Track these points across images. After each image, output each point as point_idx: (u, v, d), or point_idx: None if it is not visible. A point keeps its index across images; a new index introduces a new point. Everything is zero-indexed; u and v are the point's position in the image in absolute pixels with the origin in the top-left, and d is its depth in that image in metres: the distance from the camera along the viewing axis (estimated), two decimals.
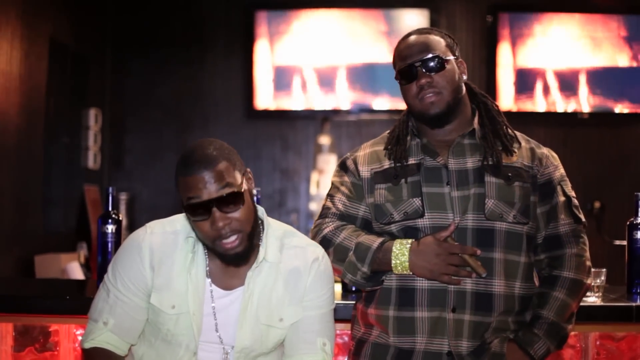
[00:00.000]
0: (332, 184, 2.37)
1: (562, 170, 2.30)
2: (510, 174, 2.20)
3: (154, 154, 7.12)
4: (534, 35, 6.89)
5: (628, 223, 2.86)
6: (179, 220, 2.13)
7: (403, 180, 2.22)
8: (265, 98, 6.98)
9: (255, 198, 2.13)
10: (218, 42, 7.08)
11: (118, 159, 7.15)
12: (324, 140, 6.64)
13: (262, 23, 6.98)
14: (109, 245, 2.81)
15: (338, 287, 2.80)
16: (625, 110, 6.87)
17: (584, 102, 6.86)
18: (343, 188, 2.32)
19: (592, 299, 2.59)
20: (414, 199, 2.19)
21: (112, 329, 2.05)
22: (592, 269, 2.58)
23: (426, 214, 2.18)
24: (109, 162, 7.08)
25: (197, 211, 1.96)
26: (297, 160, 7.05)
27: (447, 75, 2.21)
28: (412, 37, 2.26)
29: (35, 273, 5.40)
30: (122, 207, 6.47)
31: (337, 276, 2.25)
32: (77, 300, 2.54)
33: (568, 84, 6.87)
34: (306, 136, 7.06)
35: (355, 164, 2.33)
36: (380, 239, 2.19)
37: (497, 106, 2.33)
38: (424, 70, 2.19)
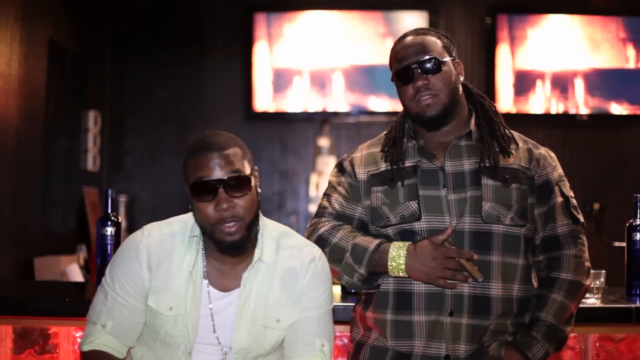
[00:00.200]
0: (330, 183, 2.37)
1: (560, 171, 2.29)
2: (507, 176, 2.19)
3: (154, 156, 7.12)
4: (533, 37, 6.90)
5: (627, 224, 2.86)
6: (177, 222, 2.13)
7: (399, 183, 2.21)
8: (264, 100, 6.98)
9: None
10: (217, 44, 7.09)
11: (117, 161, 7.15)
12: (323, 142, 6.64)
13: (261, 25, 6.98)
14: (109, 247, 2.81)
15: (337, 289, 2.80)
16: (624, 112, 6.87)
17: (583, 103, 6.87)
18: (340, 188, 2.31)
19: (592, 301, 2.59)
20: (411, 202, 2.19)
21: (111, 332, 2.05)
22: (592, 271, 2.58)
23: (423, 217, 2.17)
24: (109, 164, 7.08)
25: (203, 191, 1.96)
26: (296, 162, 7.05)
27: (444, 77, 2.19)
28: (409, 39, 2.24)
29: (34, 275, 5.40)
30: (122, 210, 6.47)
31: (334, 277, 2.24)
32: (76, 303, 2.54)
33: (567, 85, 6.87)
34: (305, 138, 7.07)
35: (352, 165, 2.32)
36: (377, 241, 2.19)
37: (494, 106, 2.32)
38: (420, 72, 2.18)
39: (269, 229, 2.14)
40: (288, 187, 7.06)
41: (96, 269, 2.86)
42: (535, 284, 2.24)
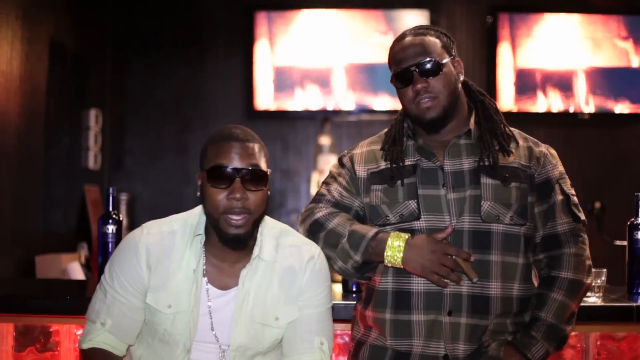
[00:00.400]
0: (330, 173, 2.36)
1: (561, 168, 2.28)
2: (506, 175, 2.18)
3: (155, 154, 7.12)
4: (534, 35, 6.89)
5: (628, 223, 2.86)
6: (177, 221, 2.13)
7: (399, 182, 2.20)
8: (265, 98, 6.98)
9: None
10: (218, 42, 7.08)
11: (118, 160, 7.15)
12: (325, 140, 6.64)
13: (262, 23, 6.98)
14: (110, 245, 2.82)
15: (338, 287, 2.80)
16: (626, 111, 6.87)
17: (584, 102, 6.86)
18: (340, 179, 2.31)
19: (593, 299, 2.59)
20: (410, 201, 2.18)
21: (110, 330, 2.05)
22: (593, 269, 2.57)
23: (422, 217, 2.16)
24: (110, 163, 7.08)
25: (219, 177, 1.98)
26: (298, 161, 7.04)
27: (444, 79, 2.18)
28: (407, 39, 2.22)
29: (35, 273, 5.40)
30: (123, 208, 6.46)
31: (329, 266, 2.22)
32: (77, 301, 2.54)
33: (568, 84, 6.87)
34: (306, 137, 7.06)
35: (352, 162, 2.31)
36: (375, 229, 2.17)
37: (494, 104, 2.30)
38: (419, 75, 2.16)
39: (269, 227, 2.14)
40: (289, 186, 7.06)
41: (97, 267, 2.86)
42: (536, 283, 2.24)
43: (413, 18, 6.88)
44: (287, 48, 6.97)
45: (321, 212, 2.25)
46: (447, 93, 2.18)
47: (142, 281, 2.06)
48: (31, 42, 5.49)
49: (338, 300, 2.52)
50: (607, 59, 6.86)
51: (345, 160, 2.33)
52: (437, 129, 2.22)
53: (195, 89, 7.09)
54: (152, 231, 2.10)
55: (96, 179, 6.76)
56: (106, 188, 2.86)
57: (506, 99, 6.86)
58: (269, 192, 2.07)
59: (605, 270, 2.65)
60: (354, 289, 2.78)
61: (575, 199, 2.26)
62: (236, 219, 1.97)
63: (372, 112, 6.84)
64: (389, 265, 2.14)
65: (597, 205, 6.69)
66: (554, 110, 6.87)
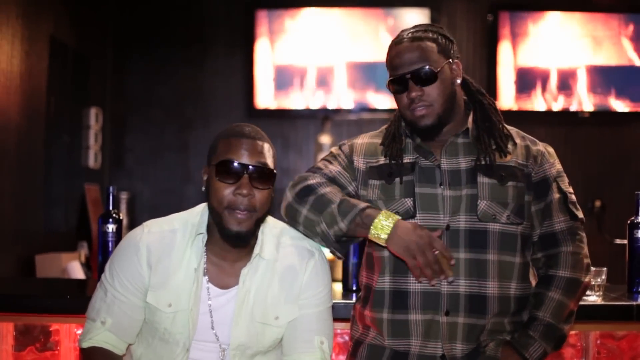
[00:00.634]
0: (330, 152, 2.34)
1: (558, 166, 2.26)
2: (503, 174, 2.17)
3: (155, 153, 7.12)
4: (535, 34, 6.89)
5: (629, 222, 2.86)
6: (177, 219, 2.13)
7: (397, 179, 2.20)
8: (265, 97, 6.97)
9: None
10: (219, 41, 7.08)
11: (119, 158, 7.15)
12: (325, 139, 6.64)
13: (263, 22, 6.97)
14: (110, 244, 2.81)
15: (338, 286, 2.80)
16: (626, 109, 6.86)
17: (585, 101, 6.85)
18: (340, 159, 2.29)
19: (593, 298, 2.59)
20: (406, 199, 2.17)
21: (110, 329, 2.05)
22: (593, 268, 2.57)
23: (417, 215, 2.15)
24: (110, 161, 7.08)
25: (228, 172, 1.98)
26: (298, 160, 7.04)
27: (439, 87, 2.15)
28: (404, 45, 2.18)
29: (35, 272, 5.40)
30: (123, 207, 6.46)
31: (306, 230, 2.18)
32: (77, 300, 2.54)
33: (569, 82, 6.86)
34: (307, 135, 7.06)
35: (352, 150, 2.30)
36: (366, 203, 2.14)
37: (493, 104, 2.29)
38: (414, 83, 2.15)
39: (270, 226, 2.14)
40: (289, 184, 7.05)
41: (97, 266, 2.86)
42: (534, 282, 2.23)
43: (414, 16, 6.88)
44: (287, 46, 6.97)
45: (315, 180, 2.21)
46: (442, 101, 2.16)
47: (143, 280, 2.06)
48: (31, 41, 5.49)
49: (338, 299, 2.52)
50: (608, 57, 6.85)
51: (345, 147, 2.32)
52: (431, 136, 2.21)
53: (196, 88, 7.08)
54: (153, 230, 2.10)
55: (96, 178, 6.76)
56: (106, 187, 2.86)
57: (507, 98, 6.85)
58: (273, 195, 2.08)
59: (605, 269, 2.65)
60: (354, 288, 2.78)
61: (572, 197, 2.25)
62: (240, 215, 1.98)
63: (373, 110, 6.83)
64: (373, 239, 2.09)
65: (598, 203, 6.69)
66: (555, 108, 6.86)
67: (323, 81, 6.94)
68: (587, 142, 6.90)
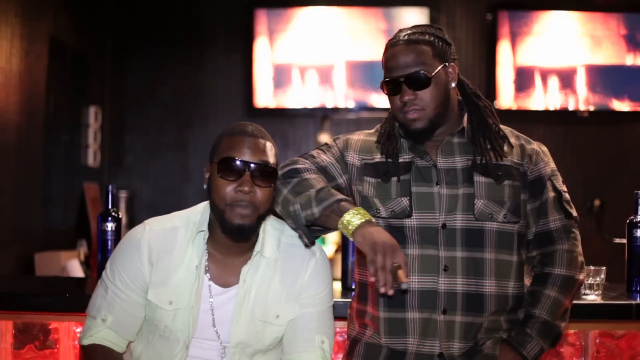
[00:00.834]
0: (325, 143, 2.33)
1: (552, 165, 2.27)
2: (499, 173, 2.17)
3: (154, 151, 7.12)
4: (534, 33, 6.89)
5: (628, 221, 2.86)
6: (179, 217, 2.13)
7: (394, 178, 2.19)
8: (265, 96, 6.97)
9: None
10: (218, 40, 7.08)
11: (118, 157, 7.15)
12: (324, 138, 6.63)
13: (262, 21, 6.97)
14: (109, 242, 2.81)
15: (338, 285, 2.80)
16: (625, 108, 6.87)
17: (584, 100, 6.86)
18: (334, 151, 2.29)
19: (592, 297, 2.59)
20: (402, 199, 2.17)
21: (111, 326, 2.05)
22: (592, 267, 2.59)
23: (414, 214, 2.15)
24: (109, 160, 7.08)
25: (230, 169, 1.99)
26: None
27: (432, 91, 2.14)
28: (399, 47, 2.17)
29: (35, 271, 5.41)
30: (122, 205, 6.47)
31: (277, 206, 2.15)
32: (76, 298, 2.54)
33: (568, 82, 6.87)
34: (306, 134, 7.06)
35: (346, 145, 2.29)
36: (347, 197, 2.11)
37: (490, 106, 2.28)
38: (407, 87, 2.14)
39: (271, 224, 2.14)
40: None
41: (97, 264, 2.86)
42: (527, 281, 2.23)
43: (413, 15, 6.88)
44: (286, 45, 6.97)
45: (303, 165, 2.21)
46: (434, 105, 2.15)
47: (144, 277, 2.06)
48: (31, 40, 5.49)
49: (337, 298, 2.52)
50: (607, 57, 6.86)
51: (340, 141, 2.31)
52: (421, 140, 2.21)
53: (195, 87, 7.09)
54: (154, 227, 2.10)
55: (95, 177, 6.77)
56: (105, 185, 2.86)
57: (506, 97, 6.86)
58: (274, 193, 2.08)
59: (604, 268, 2.65)
60: (353, 287, 2.78)
61: (567, 195, 2.25)
62: (242, 211, 1.98)
63: (372, 109, 6.84)
64: (341, 227, 2.05)
65: (597, 202, 6.69)
66: (554, 108, 6.87)
67: (322, 80, 6.94)
68: (586, 141, 6.91)
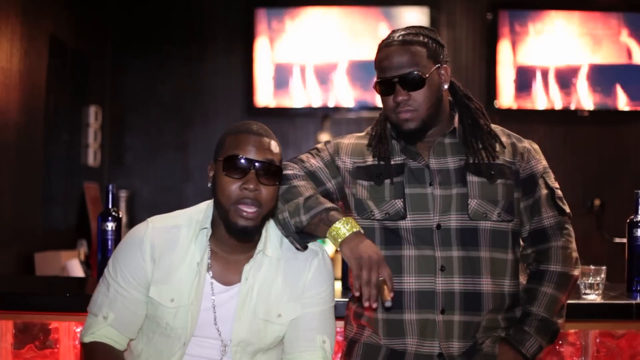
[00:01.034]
0: (315, 148, 2.34)
1: (544, 163, 2.28)
2: (492, 172, 2.18)
3: (154, 151, 7.12)
4: (534, 32, 6.89)
5: (628, 221, 2.86)
6: (182, 216, 2.14)
7: (387, 180, 2.20)
8: (265, 95, 6.98)
9: None
10: (218, 39, 7.08)
11: (118, 157, 7.15)
12: (324, 137, 6.63)
13: (262, 20, 6.97)
14: (109, 242, 2.81)
15: (338, 285, 2.80)
16: (626, 108, 6.87)
17: (584, 99, 6.86)
18: (324, 155, 2.29)
19: (592, 297, 2.59)
20: (396, 200, 2.17)
21: (112, 324, 2.06)
22: (593, 267, 2.59)
23: (408, 216, 2.16)
24: (109, 160, 7.08)
25: (235, 167, 1.99)
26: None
27: (426, 92, 2.15)
28: (393, 48, 2.18)
29: (35, 270, 5.41)
30: (122, 205, 6.47)
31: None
32: (77, 298, 2.54)
33: (568, 81, 6.87)
34: (306, 133, 7.06)
35: (337, 149, 2.29)
36: (335, 206, 2.12)
37: (481, 107, 2.29)
38: (401, 87, 2.15)
39: (274, 223, 2.15)
40: None
41: (97, 264, 2.86)
42: (521, 279, 2.24)
43: (413, 15, 6.88)
44: (287, 45, 6.97)
45: (293, 170, 2.22)
46: (427, 106, 2.16)
47: (146, 275, 2.06)
48: (31, 39, 5.49)
49: (337, 297, 2.51)
50: (607, 56, 6.86)
51: (330, 145, 2.32)
52: (415, 140, 2.21)
53: (195, 86, 7.09)
54: (157, 225, 2.11)
55: (96, 176, 6.77)
56: (106, 185, 2.86)
57: (506, 96, 6.85)
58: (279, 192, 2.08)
59: (604, 267, 2.65)
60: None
61: (559, 192, 2.26)
62: (247, 209, 1.98)
63: (372, 109, 6.84)
64: (329, 237, 2.06)
65: (597, 202, 6.68)
66: (554, 107, 6.87)
67: (322, 79, 6.94)
68: (587, 141, 6.90)
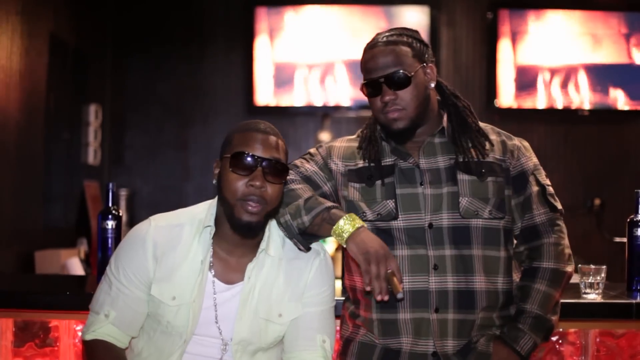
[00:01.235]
0: (308, 153, 2.35)
1: (534, 160, 2.28)
2: (482, 170, 2.19)
3: (154, 150, 7.12)
4: (535, 32, 6.89)
5: (628, 220, 2.86)
6: (184, 214, 2.14)
7: (378, 182, 2.20)
8: (265, 94, 6.98)
9: None
10: (218, 38, 7.08)
11: (118, 155, 7.15)
12: (324, 136, 6.64)
13: (262, 19, 6.97)
14: (109, 241, 2.81)
15: (338, 284, 2.80)
16: (626, 107, 6.87)
17: (585, 98, 6.86)
18: (317, 159, 2.31)
19: (592, 296, 2.59)
20: (388, 201, 2.18)
21: (114, 322, 2.06)
22: (593, 266, 2.59)
23: (400, 217, 2.16)
24: (109, 158, 7.08)
25: (242, 164, 2.00)
26: (297, 157, 7.04)
27: (412, 91, 2.16)
28: (378, 49, 2.20)
29: (35, 269, 5.41)
30: (122, 203, 6.47)
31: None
32: (77, 296, 2.54)
33: (568, 80, 6.87)
34: (306, 132, 7.06)
35: (329, 152, 2.31)
36: (335, 204, 2.14)
37: (468, 106, 2.29)
38: (387, 87, 2.15)
39: (276, 224, 2.15)
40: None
41: (97, 262, 2.86)
42: (515, 276, 2.24)
43: (413, 14, 6.88)
44: (287, 44, 6.97)
45: (289, 176, 2.22)
46: (415, 105, 2.17)
47: (148, 273, 2.06)
48: (31, 38, 5.49)
49: (338, 296, 2.52)
50: (607, 56, 6.86)
51: (322, 149, 2.34)
52: (404, 139, 2.22)
53: (195, 85, 7.09)
54: (160, 224, 2.11)
55: (96, 175, 6.77)
56: (106, 183, 2.86)
57: (506, 96, 6.85)
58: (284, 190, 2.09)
59: (604, 267, 2.65)
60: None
61: (550, 189, 2.27)
62: (252, 205, 1.99)
63: None
64: (334, 235, 2.08)
65: (597, 202, 6.68)
66: (554, 106, 6.86)
67: (322, 78, 6.94)
68: (587, 140, 6.90)
